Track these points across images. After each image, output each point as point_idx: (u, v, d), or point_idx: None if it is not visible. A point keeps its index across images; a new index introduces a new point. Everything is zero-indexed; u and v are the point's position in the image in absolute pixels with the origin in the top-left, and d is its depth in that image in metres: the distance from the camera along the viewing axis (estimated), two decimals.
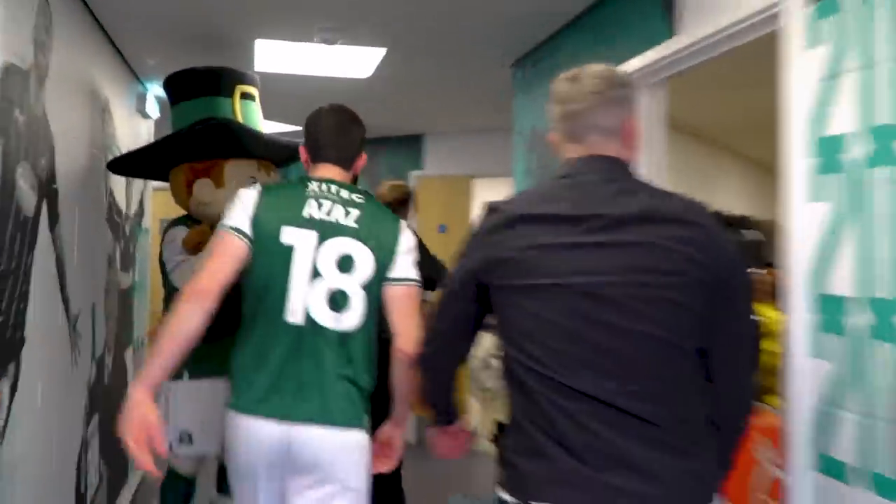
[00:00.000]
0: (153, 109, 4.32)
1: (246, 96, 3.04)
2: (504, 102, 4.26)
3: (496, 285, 1.36)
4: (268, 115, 4.90)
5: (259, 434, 1.79)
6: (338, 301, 1.82)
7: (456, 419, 1.63)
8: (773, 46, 1.92)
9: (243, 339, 1.86)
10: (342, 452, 1.81)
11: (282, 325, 1.80)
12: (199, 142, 2.84)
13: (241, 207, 1.85)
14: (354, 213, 1.87)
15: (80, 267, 2.86)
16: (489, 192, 6.94)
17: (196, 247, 2.72)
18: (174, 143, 2.89)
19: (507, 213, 1.36)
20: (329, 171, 1.95)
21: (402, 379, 1.88)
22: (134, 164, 3.17)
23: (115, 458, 3.60)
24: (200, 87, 2.97)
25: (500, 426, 3.20)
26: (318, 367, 1.80)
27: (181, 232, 2.84)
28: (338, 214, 1.86)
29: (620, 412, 1.26)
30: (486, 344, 3.85)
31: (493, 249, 1.35)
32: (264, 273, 1.82)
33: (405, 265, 1.90)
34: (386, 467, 1.97)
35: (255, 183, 2.83)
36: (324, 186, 1.90)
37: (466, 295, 1.41)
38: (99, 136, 3.24)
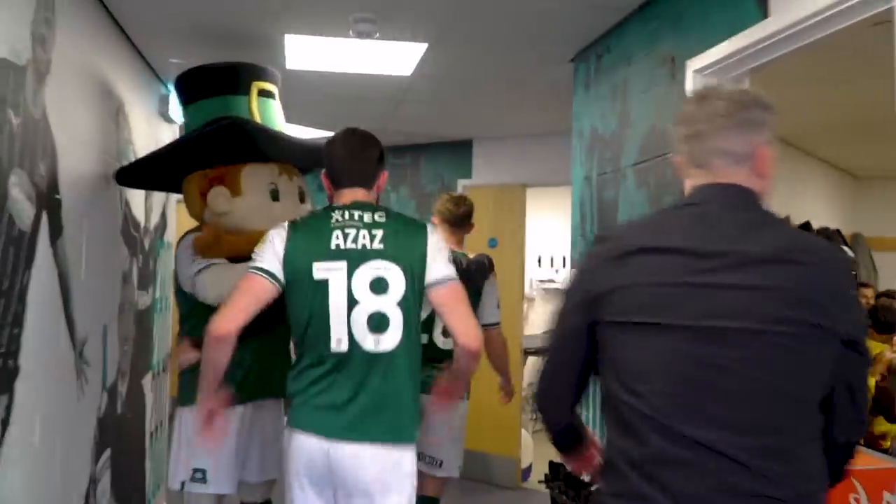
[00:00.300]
0: (177, 113, 4.26)
1: (264, 94, 2.93)
2: (561, 102, 4.10)
3: (607, 320, 1.36)
4: (300, 119, 4.85)
5: (306, 447, 2.05)
6: (378, 323, 2.04)
7: (580, 446, 1.61)
8: (877, 33, 1.72)
9: (297, 372, 2.13)
10: (389, 469, 2.03)
11: (328, 355, 2.05)
12: (211, 145, 2.74)
13: (271, 249, 2.09)
14: (379, 233, 2.08)
15: (89, 286, 2.78)
16: (544, 201, 6.77)
17: (208, 248, 2.63)
18: (183, 148, 2.80)
19: (623, 243, 1.37)
20: (353, 194, 2.18)
21: (465, 369, 2.19)
22: (144, 175, 3.08)
23: (129, 494, 3.51)
24: (214, 85, 2.88)
25: (553, 466, 3.03)
26: (364, 389, 2.03)
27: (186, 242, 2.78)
28: (364, 240, 2.07)
29: (732, 462, 1.25)
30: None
31: (606, 281, 1.35)
32: (304, 309, 2.07)
33: (439, 266, 2.10)
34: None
35: (274, 189, 2.76)
36: (346, 214, 2.12)
37: (578, 331, 1.41)
38: (112, 142, 3.17)
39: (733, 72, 2.39)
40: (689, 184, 1.39)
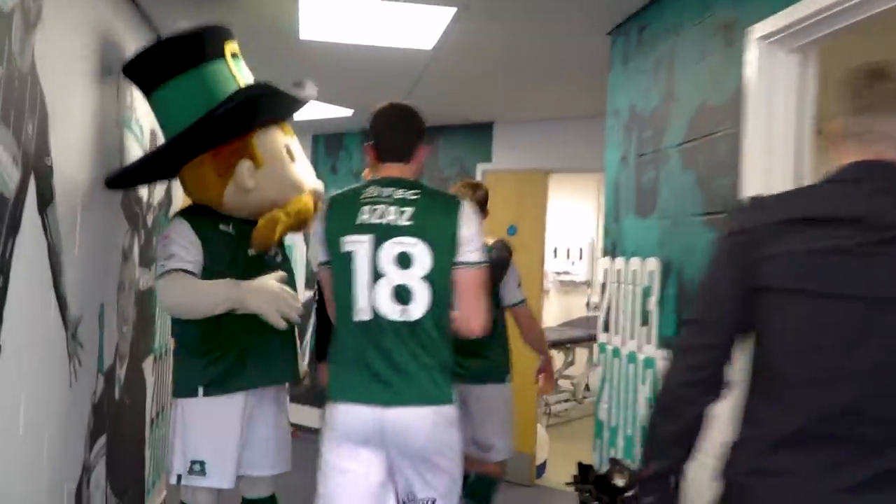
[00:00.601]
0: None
1: (235, 56, 2.71)
2: (592, 81, 3.86)
3: (775, 287, 1.34)
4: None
5: (357, 418, 2.16)
6: (402, 295, 2.14)
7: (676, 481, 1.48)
8: None
9: (333, 340, 2.27)
10: (428, 426, 2.13)
11: (354, 324, 2.18)
12: (229, 120, 2.52)
13: (318, 237, 2.29)
14: (409, 210, 2.16)
15: (84, 261, 2.57)
16: (560, 190, 6.52)
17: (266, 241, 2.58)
18: (197, 135, 2.56)
19: (786, 210, 1.35)
20: (390, 169, 2.26)
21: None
22: (142, 174, 2.87)
23: (126, 484, 3.31)
24: (183, 58, 2.59)
25: (583, 469, 2.82)
26: (391, 355, 2.14)
27: (181, 227, 2.59)
28: (391, 216, 2.16)
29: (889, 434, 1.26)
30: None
31: (771, 247, 1.33)
32: (336, 282, 2.23)
33: (469, 249, 2.18)
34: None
35: (289, 150, 2.66)
36: (378, 190, 2.21)
37: (732, 302, 1.39)
38: (112, 107, 2.95)
39: (794, 42, 2.15)
40: (844, 160, 1.35)
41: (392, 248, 2.15)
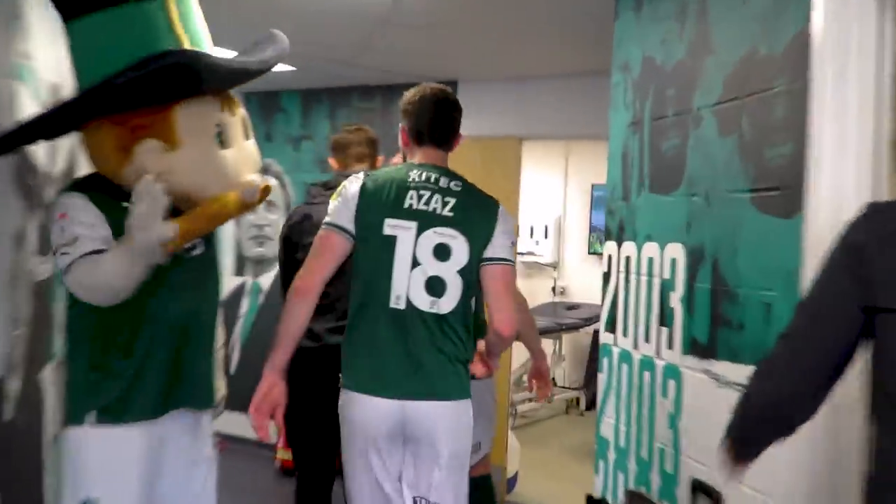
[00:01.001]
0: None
1: None
2: (584, 32, 3.56)
3: (874, 306, 1.33)
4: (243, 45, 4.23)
5: (376, 410, 2.27)
6: (435, 287, 2.28)
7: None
8: None
9: (355, 323, 2.35)
10: (449, 422, 2.28)
11: (387, 311, 2.28)
12: (140, 89, 2.13)
13: (345, 204, 2.34)
14: (451, 201, 2.31)
15: None
16: (530, 157, 6.21)
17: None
18: (92, 103, 2.17)
19: None
20: (430, 155, 2.42)
21: (494, 348, 2.47)
22: (28, 134, 2.44)
23: None
24: None
25: (592, 501, 2.57)
26: (420, 347, 2.27)
27: (78, 201, 2.22)
28: (436, 204, 2.30)
29: None
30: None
31: (878, 262, 1.31)
32: (369, 263, 2.32)
33: (501, 247, 2.34)
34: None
35: (221, 132, 2.19)
36: (424, 175, 2.35)
37: (841, 319, 1.37)
38: (2, 54, 2.53)
39: None
40: None
41: (432, 237, 2.29)
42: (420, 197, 2.30)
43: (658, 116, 2.67)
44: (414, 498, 2.32)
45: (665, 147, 2.61)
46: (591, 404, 7.34)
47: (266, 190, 2.24)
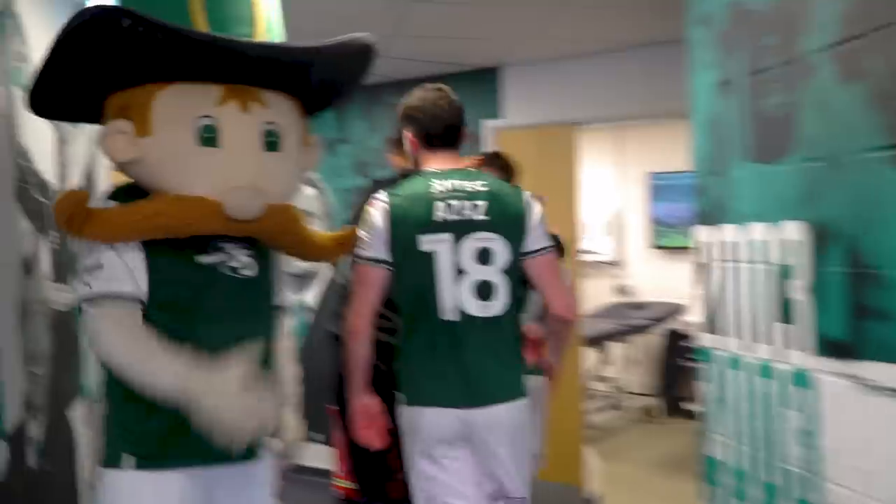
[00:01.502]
0: None
1: None
2: None
3: None
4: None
5: (443, 421, 2.35)
6: (484, 291, 2.35)
7: None
8: None
9: (409, 339, 2.41)
10: (514, 423, 2.39)
11: (439, 323, 2.35)
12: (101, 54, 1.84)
13: (375, 234, 2.36)
14: (482, 204, 2.36)
15: None
16: (598, 147, 5.73)
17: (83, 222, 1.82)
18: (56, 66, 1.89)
19: None
20: (446, 159, 2.46)
21: (559, 340, 2.59)
22: (63, 95, 2.14)
23: None
24: None
25: None
26: (478, 354, 2.35)
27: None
28: (467, 211, 2.35)
29: None
30: None
31: None
32: (413, 280, 2.37)
33: (537, 236, 2.43)
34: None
35: (207, 126, 1.88)
36: (448, 184, 2.38)
37: None
38: None
39: None
40: None
41: (472, 244, 2.34)
42: (449, 207, 2.35)
43: (757, 70, 2.31)
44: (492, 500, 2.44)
45: (769, 106, 2.26)
46: (671, 411, 6.97)
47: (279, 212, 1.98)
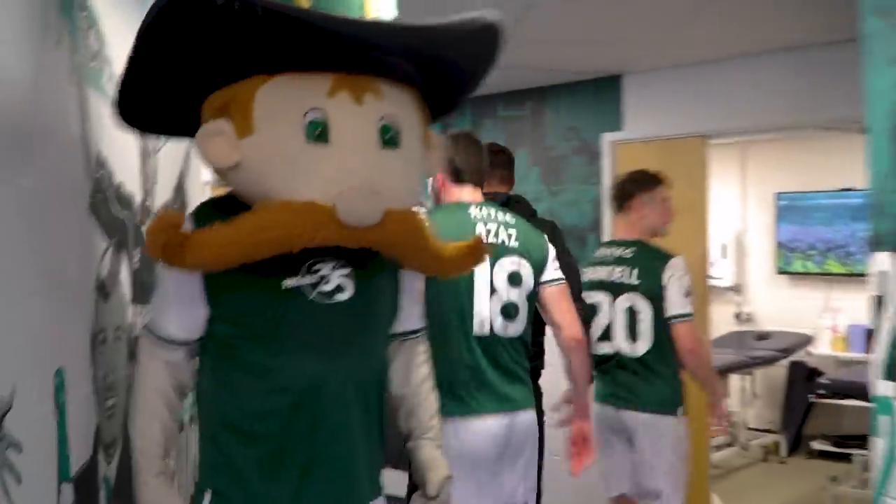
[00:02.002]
0: None
1: None
2: None
3: None
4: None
5: (483, 429, 2.58)
6: (510, 312, 2.62)
7: None
8: None
9: (445, 354, 2.44)
10: (531, 430, 2.68)
11: (472, 337, 2.58)
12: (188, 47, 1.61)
13: None
14: (513, 232, 2.66)
15: (14, 301, 1.72)
16: (720, 165, 5.24)
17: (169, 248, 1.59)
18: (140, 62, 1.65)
19: None
20: (475, 193, 2.75)
21: (579, 366, 2.77)
22: (155, 100, 1.87)
23: None
24: None
25: None
26: (503, 368, 2.62)
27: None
28: (503, 236, 2.63)
29: None
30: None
31: None
32: (451, 295, 2.54)
33: (555, 268, 2.73)
34: (588, 461, 2.83)
35: (318, 121, 1.61)
36: (484, 211, 2.68)
37: None
38: (64, 55, 2.02)
39: None
40: None
41: (506, 266, 2.59)
42: (489, 231, 2.60)
43: None
44: None
45: None
46: (793, 449, 6.37)
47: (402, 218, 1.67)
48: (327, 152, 1.59)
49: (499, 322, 2.59)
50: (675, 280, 3.14)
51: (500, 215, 2.67)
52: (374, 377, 1.82)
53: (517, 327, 2.64)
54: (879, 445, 2.19)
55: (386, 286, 1.84)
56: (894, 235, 2.13)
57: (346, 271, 1.71)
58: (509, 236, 2.63)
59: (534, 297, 2.67)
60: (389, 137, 1.64)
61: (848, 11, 2.46)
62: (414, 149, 1.71)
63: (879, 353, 2.21)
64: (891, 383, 2.15)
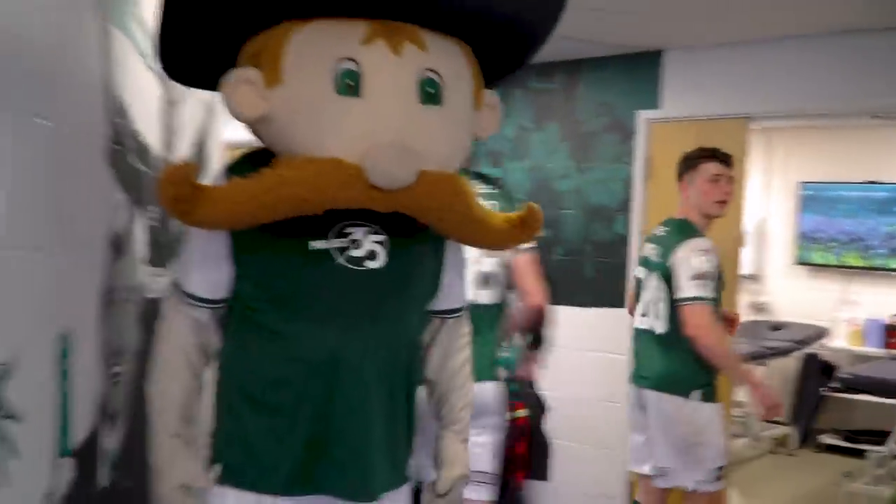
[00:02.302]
0: None
1: None
2: None
3: None
4: None
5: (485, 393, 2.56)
6: (483, 281, 2.62)
7: None
8: None
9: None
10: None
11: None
12: None
13: None
14: (492, 203, 2.51)
15: (18, 256, 1.59)
16: (753, 148, 4.96)
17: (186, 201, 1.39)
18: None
19: None
20: None
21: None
22: (194, 47, 1.64)
23: None
24: None
25: None
26: (484, 336, 2.56)
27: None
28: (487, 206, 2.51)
29: None
30: None
31: None
32: None
33: None
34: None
35: (349, 71, 1.40)
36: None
37: None
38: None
39: None
40: None
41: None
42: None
43: None
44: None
45: None
46: (804, 442, 6.20)
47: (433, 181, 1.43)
48: (358, 105, 1.38)
49: (473, 292, 2.48)
50: (683, 262, 2.97)
51: (484, 187, 2.63)
52: (403, 356, 1.61)
53: (491, 296, 2.62)
54: None
55: (427, 258, 1.62)
56: None
57: (380, 238, 1.50)
58: (492, 207, 2.45)
59: (506, 267, 2.68)
60: (431, 93, 1.43)
61: None
62: (459, 107, 1.49)
63: None
64: None
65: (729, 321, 3.31)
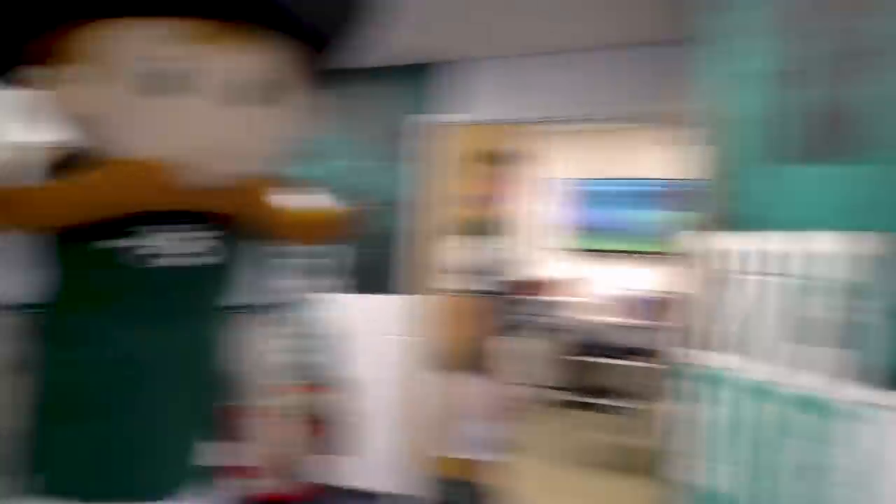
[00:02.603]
0: None
1: None
2: None
3: None
4: None
5: None
6: None
7: None
8: None
9: None
10: None
11: None
12: None
13: None
14: None
15: None
16: (559, 145, 5.21)
17: None
18: None
19: None
20: None
21: None
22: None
23: None
24: None
25: None
26: None
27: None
28: None
29: None
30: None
31: None
32: None
33: None
34: None
35: (157, 67, 1.37)
36: None
37: None
38: None
39: None
40: None
41: None
42: None
43: (801, 59, 1.93)
44: None
45: (823, 99, 1.87)
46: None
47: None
48: (169, 105, 1.37)
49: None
50: None
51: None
52: (200, 352, 1.61)
53: None
54: (700, 413, 2.27)
55: (225, 253, 1.64)
56: (736, 216, 2.18)
57: (175, 234, 1.52)
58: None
59: None
60: (246, 92, 1.43)
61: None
62: (273, 107, 1.49)
63: (703, 327, 2.29)
64: (716, 354, 2.22)
65: None
